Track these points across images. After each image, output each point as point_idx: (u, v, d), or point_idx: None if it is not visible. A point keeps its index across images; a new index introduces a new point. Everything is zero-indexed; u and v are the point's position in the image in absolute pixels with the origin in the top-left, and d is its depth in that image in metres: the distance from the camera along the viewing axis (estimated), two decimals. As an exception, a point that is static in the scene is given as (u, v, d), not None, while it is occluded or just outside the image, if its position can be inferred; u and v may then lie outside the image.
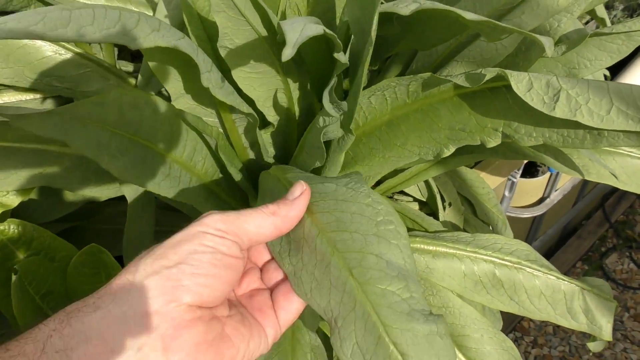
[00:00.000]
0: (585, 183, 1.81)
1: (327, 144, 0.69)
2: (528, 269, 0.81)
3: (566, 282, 0.82)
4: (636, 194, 2.10)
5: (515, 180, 1.32)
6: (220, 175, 0.69)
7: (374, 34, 0.50)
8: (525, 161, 1.24)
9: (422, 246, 0.82)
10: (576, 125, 0.53)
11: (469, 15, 0.49)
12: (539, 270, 0.81)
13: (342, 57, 0.51)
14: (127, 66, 0.88)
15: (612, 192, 2.12)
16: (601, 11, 0.79)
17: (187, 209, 0.74)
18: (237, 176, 0.66)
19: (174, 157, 0.63)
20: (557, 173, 1.51)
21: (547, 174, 1.52)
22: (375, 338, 0.43)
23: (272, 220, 0.46)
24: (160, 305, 0.39)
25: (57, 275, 0.60)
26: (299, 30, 0.42)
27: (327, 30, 0.47)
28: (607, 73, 0.97)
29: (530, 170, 1.53)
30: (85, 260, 0.59)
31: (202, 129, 0.63)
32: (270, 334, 0.47)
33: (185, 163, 0.65)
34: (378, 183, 0.99)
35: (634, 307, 1.86)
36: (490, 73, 0.54)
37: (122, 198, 0.73)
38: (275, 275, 0.50)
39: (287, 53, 0.40)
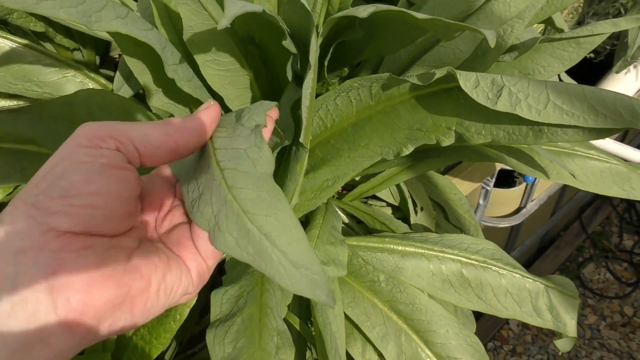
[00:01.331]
0: (561, 194, 1.84)
1: (282, 156, 0.72)
2: (494, 268, 0.84)
3: (531, 281, 0.84)
4: (612, 205, 2.14)
5: (488, 188, 1.35)
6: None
7: (314, 44, 0.54)
8: (498, 169, 1.27)
9: (391, 246, 0.84)
10: (519, 122, 0.57)
11: (420, 15, 0.53)
12: (504, 269, 0.84)
13: (292, 47, 0.54)
14: (109, 74, 0.91)
15: (589, 203, 2.16)
16: (560, 21, 0.83)
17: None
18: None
19: None
20: (533, 184, 1.55)
21: (523, 185, 1.55)
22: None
23: (164, 129, 0.39)
24: (35, 239, 0.33)
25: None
26: (239, 6, 0.44)
27: (268, 11, 0.49)
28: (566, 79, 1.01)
29: (508, 181, 1.57)
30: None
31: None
32: (192, 267, 0.42)
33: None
34: (352, 187, 1.02)
35: (611, 316, 1.89)
36: (440, 72, 0.57)
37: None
38: None
39: (223, 23, 0.41)
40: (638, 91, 1.69)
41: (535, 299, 0.84)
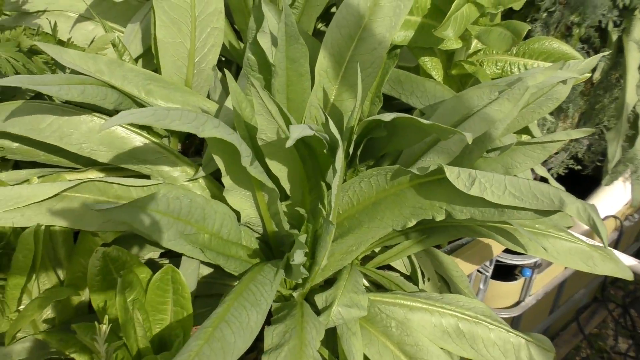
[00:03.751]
0: (558, 293, 2.02)
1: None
2: (484, 323, 1.04)
3: (514, 335, 1.04)
4: (608, 310, 2.31)
5: (487, 274, 1.55)
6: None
7: (340, 156, 0.81)
8: (495, 256, 1.48)
9: (401, 301, 1.06)
10: (488, 205, 0.81)
11: (424, 121, 0.79)
12: (492, 324, 1.04)
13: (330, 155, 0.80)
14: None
15: (586, 306, 2.33)
16: (536, 131, 1.09)
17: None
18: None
19: (205, 229, 0.91)
20: (531, 279, 1.74)
21: (522, 279, 1.75)
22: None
23: None
24: None
25: (140, 288, 0.85)
26: (299, 130, 0.72)
27: (317, 133, 0.77)
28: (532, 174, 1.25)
29: (508, 277, 1.76)
30: (162, 277, 0.85)
31: (224, 211, 0.93)
32: None
33: (215, 233, 0.93)
34: (371, 258, 1.24)
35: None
36: (432, 166, 0.83)
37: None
38: None
39: (289, 143, 0.69)
40: (627, 203, 1.92)
41: (518, 350, 1.04)
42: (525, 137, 1.29)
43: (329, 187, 0.92)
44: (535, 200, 0.75)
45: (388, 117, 0.82)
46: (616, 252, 1.09)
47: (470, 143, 0.72)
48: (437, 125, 0.78)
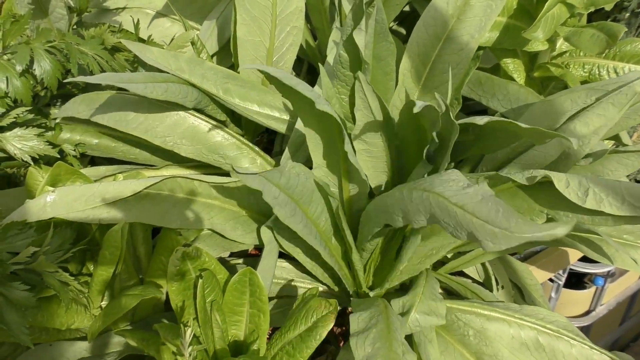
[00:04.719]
0: (631, 303, 1.94)
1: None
2: (566, 337, 1.00)
3: (598, 353, 1.00)
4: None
5: (560, 282, 1.50)
6: (332, 231, 0.95)
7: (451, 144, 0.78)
8: (569, 265, 1.43)
9: (478, 310, 1.03)
10: (601, 213, 0.77)
11: (523, 125, 0.75)
12: (575, 340, 1.00)
13: (435, 136, 0.78)
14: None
15: (659, 317, 2.22)
16: (626, 139, 1.04)
17: (300, 256, 0.99)
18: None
19: (308, 213, 0.90)
20: (602, 288, 1.67)
21: (593, 288, 1.68)
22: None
23: None
24: None
25: (218, 289, 0.85)
26: (422, 103, 0.70)
27: (432, 105, 0.74)
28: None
29: (579, 285, 1.70)
30: (240, 279, 0.85)
31: (329, 194, 0.90)
32: None
33: (314, 220, 0.92)
34: (443, 263, 1.21)
35: None
36: (540, 174, 0.79)
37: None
38: None
39: (416, 109, 0.67)
40: None
41: (601, 367, 0.99)
42: (608, 144, 1.23)
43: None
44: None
45: (482, 120, 0.79)
46: None
47: (572, 148, 0.68)
48: (537, 130, 0.75)
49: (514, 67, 1.15)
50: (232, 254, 1.11)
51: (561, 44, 1.20)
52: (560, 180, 0.76)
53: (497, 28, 1.09)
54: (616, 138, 1.08)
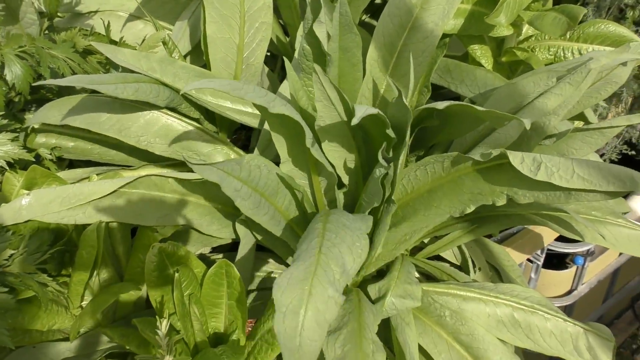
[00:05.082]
0: (612, 281, 1.97)
1: (376, 212, 0.96)
2: (540, 312, 1.03)
3: (572, 324, 1.02)
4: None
5: (539, 263, 1.53)
6: (303, 222, 0.97)
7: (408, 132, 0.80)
8: (546, 245, 1.46)
9: (454, 291, 1.05)
10: (553, 188, 0.79)
11: (480, 109, 0.77)
12: (549, 314, 1.03)
13: (392, 133, 0.79)
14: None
15: (642, 294, 2.27)
16: (591, 117, 1.06)
17: (277, 249, 1.01)
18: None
19: (276, 205, 0.91)
20: (583, 267, 1.70)
21: (574, 267, 1.71)
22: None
23: None
24: None
25: (196, 282, 0.87)
26: (364, 110, 0.71)
27: (380, 112, 0.76)
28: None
29: (560, 266, 1.73)
30: (217, 271, 0.87)
31: (294, 186, 0.92)
32: None
33: (283, 211, 0.93)
34: (420, 249, 1.23)
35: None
36: (495, 151, 0.81)
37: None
38: None
39: (354, 121, 0.68)
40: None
41: (576, 340, 1.02)
42: (577, 123, 1.26)
43: (384, 177, 0.91)
44: (606, 182, 0.73)
45: (442, 105, 0.81)
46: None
47: (528, 129, 0.70)
48: (493, 112, 0.77)
49: (482, 53, 1.18)
50: (213, 250, 1.13)
51: (527, 29, 1.22)
52: (515, 157, 0.78)
53: (462, 15, 1.11)
54: (583, 118, 1.10)
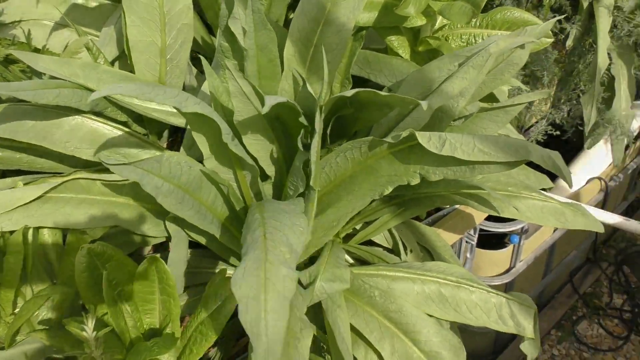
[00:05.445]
0: (549, 257, 2.06)
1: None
2: (465, 286, 1.08)
3: (495, 295, 1.08)
4: (601, 269, 2.36)
5: (473, 243, 1.59)
6: (231, 215, 1.00)
7: (318, 117, 0.84)
8: (478, 224, 1.52)
9: (383, 272, 1.10)
10: (459, 163, 0.84)
11: (383, 93, 0.82)
12: (473, 286, 1.08)
13: (304, 121, 0.83)
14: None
15: (579, 268, 2.37)
16: (502, 97, 1.13)
17: (209, 244, 1.04)
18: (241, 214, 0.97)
19: (201, 200, 0.94)
20: (519, 245, 1.78)
21: (511, 246, 1.79)
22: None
23: None
24: None
25: (127, 280, 0.89)
26: (274, 99, 0.75)
27: (290, 100, 0.80)
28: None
29: (499, 246, 1.80)
30: (146, 268, 0.89)
31: (218, 181, 0.95)
32: None
33: (209, 206, 0.96)
34: (352, 235, 1.28)
35: (606, 369, 2.07)
36: (405, 133, 0.86)
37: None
38: None
39: (264, 109, 0.72)
40: (611, 164, 1.96)
41: (499, 309, 1.08)
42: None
43: (307, 164, 0.95)
44: (503, 154, 0.79)
45: (350, 93, 0.86)
46: (589, 208, 1.13)
47: (425, 110, 0.75)
48: (396, 97, 0.82)
49: (399, 43, 1.23)
50: (155, 249, 1.15)
51: (442, 19, 1.28)
52: (423, 137, 0.83)
53: (376, 8, 1.16)
54: (495, 99, 1.17)
